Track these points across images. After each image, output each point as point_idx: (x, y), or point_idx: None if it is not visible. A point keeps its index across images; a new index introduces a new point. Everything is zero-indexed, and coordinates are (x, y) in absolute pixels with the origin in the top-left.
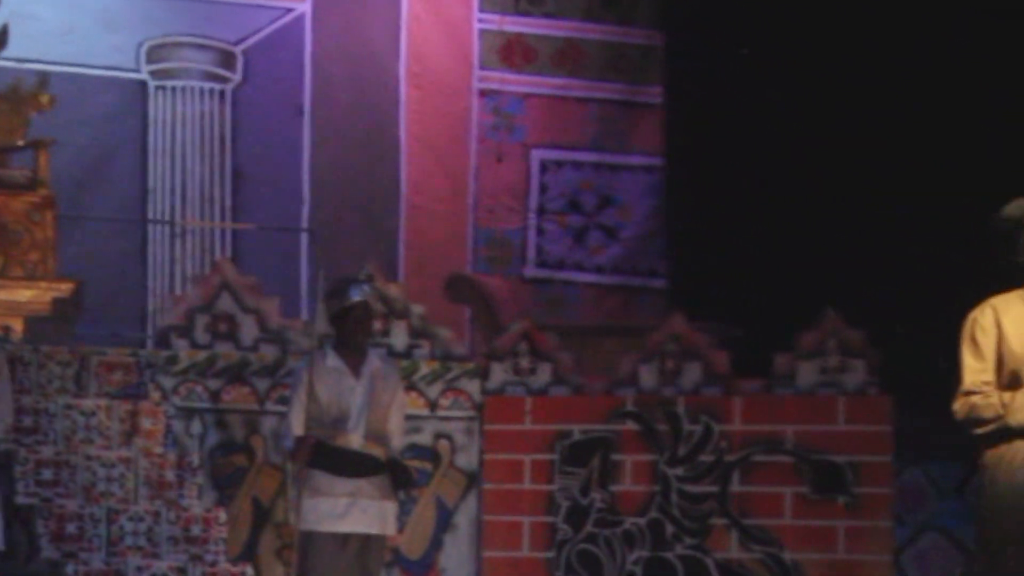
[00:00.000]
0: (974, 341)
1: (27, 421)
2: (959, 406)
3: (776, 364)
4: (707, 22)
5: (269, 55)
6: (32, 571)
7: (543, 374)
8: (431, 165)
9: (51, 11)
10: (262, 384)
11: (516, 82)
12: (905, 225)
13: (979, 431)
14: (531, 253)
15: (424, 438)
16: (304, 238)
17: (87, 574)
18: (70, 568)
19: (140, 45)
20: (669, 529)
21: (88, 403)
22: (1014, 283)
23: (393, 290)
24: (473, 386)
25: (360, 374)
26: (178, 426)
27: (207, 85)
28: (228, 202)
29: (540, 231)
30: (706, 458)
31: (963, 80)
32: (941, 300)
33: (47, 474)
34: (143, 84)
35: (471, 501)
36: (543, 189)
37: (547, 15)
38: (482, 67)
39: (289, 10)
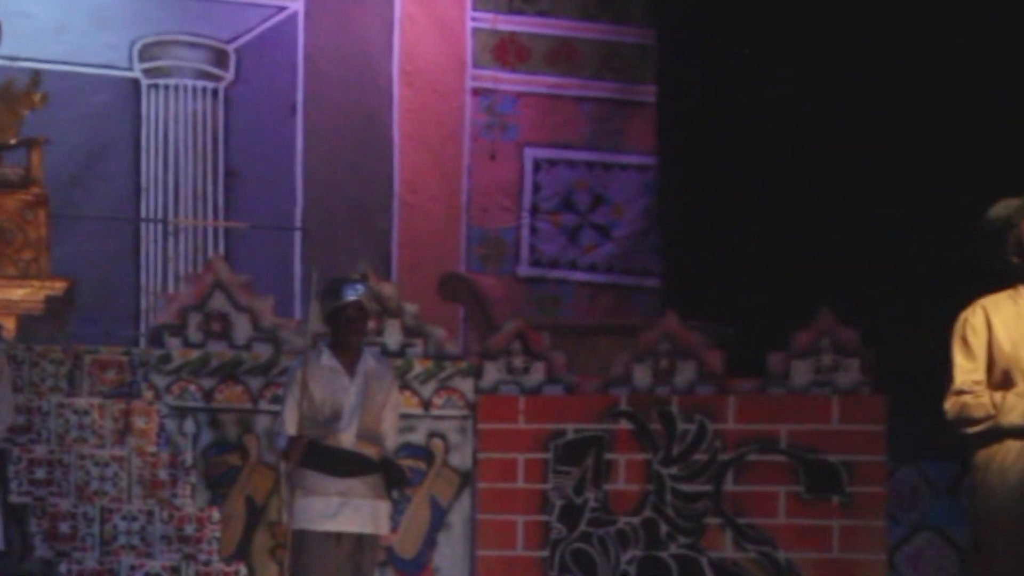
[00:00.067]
0: (965, 341)
1: (20, 420)
2: (950, 405)
3: (770, 363)
4: (701, 21)
5: (262, 54)
6: (25, 570)
7: (537, 373)
8: (424, 164)
9: (44, 9)
10: (255, 383)
11: (509, 81)
12: (899, 225)
13: (970, 431)
14: (524, 252)
15: (418, 437)
16: (297, 237)
17: (80, 573)
18: (63, 567)
19: (133, 43)
20: (663, 528)
21: (81, 402)
22: (1005, 283)
23: (386, 289)
24: (467, 385)
25: (355, 373)
26: (171, 425)
27: (200, 83)
28: (221, 200)
29: (534, 230)
30: (700, 457)
31: (957, 79)
32: (935, 300)
33: (40, 473)
34: (136, 82)
35: (465, 500)
36: (536, 188)
37: (540, 14)
38: (475, 66)
39: (282, 8)
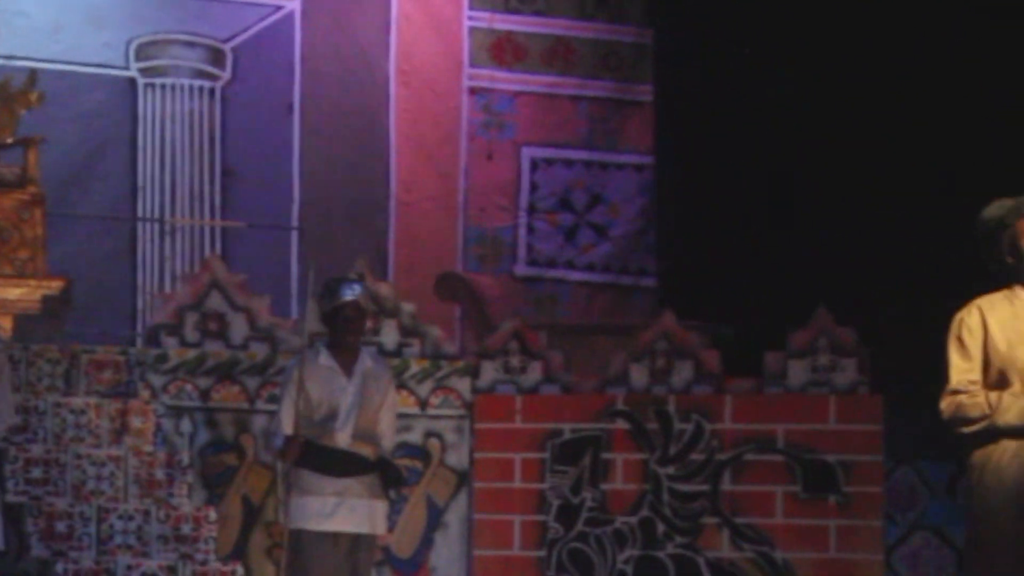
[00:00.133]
0: (960, 341)
1: (17, 419)
2: (946, 405)
3: (767, 363)
4: (698, 20)
5: (259, 53)
6: (22, 569)
7: (534, 372)
8: (421, 163)
9: (40, 8)
10: (252, 383)
11: (506, 80)
12: (897, 224)
13: (966, 431)
14: (522, 251)
15: (414, 436)
16: (294, 236)
17: (77, 573)
18: (60, 567)
19: (129, 42)
20: (660, 528)
21: (78, 401)
22: (1002, 284)
23: (383, 288)
24: (463, 384)
25: (352, 373)
26: (168, 424)
27: (196, 83)
28: (217, 200)
29: (531, 229)
30: (697, 457)
31: (955, 78)
32: (932, 299)
33: (37, 472)
34: (132, 82)
35: (462, 500)
36: (534, 187)
37: (537, 13)
38: (472, 65)
39: (279, 8)
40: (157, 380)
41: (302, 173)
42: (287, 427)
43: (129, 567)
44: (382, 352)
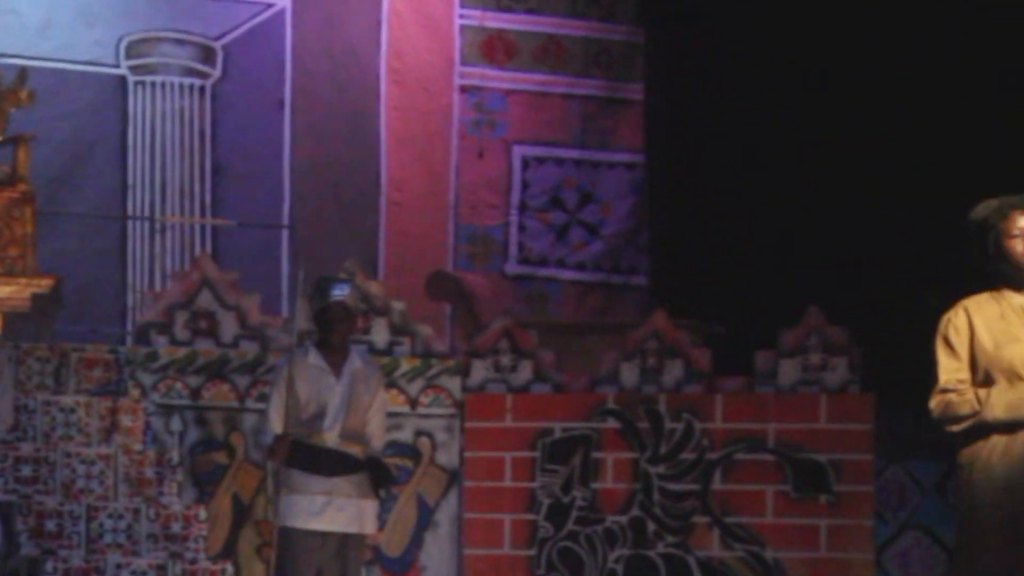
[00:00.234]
0: (947, 341)
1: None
2: (935, 404)
3: (758, 362)
4: (689, 19)
5: (249, 51)
6: (11, 568)
7: (524, 371)
8: (412, 161)
9: (30, 6)
10: (242, 381)
11: (497, 78)
12: (888, 224)
13: (956, 428)
14: (513, 250)
15: (405, 435)
16: (285, 234)
17: (67, 571)
18: (49, 565)
19: (120, 40)
20: (651, 527)
21: (67, 400)
22: (989, 283)
23: (373, 287)
24: (454, 383)
25: (341, 373)
26: (158, 423)
27: (187, 80)
28: (208, 198)
29: (522, 228)
30: (688, 456)
31: (947, 77)
32: (923, 299)
33: (26, 471)
34: (123, 79)
35: (452, 499)
36: (525, 185)
37: (528, 11)
38: (463, 63)
39: (269, 5)
40: (147, 378)
41: (293, 171)
42: (276, 426)
43: (119, 566)
44: (372, 351)
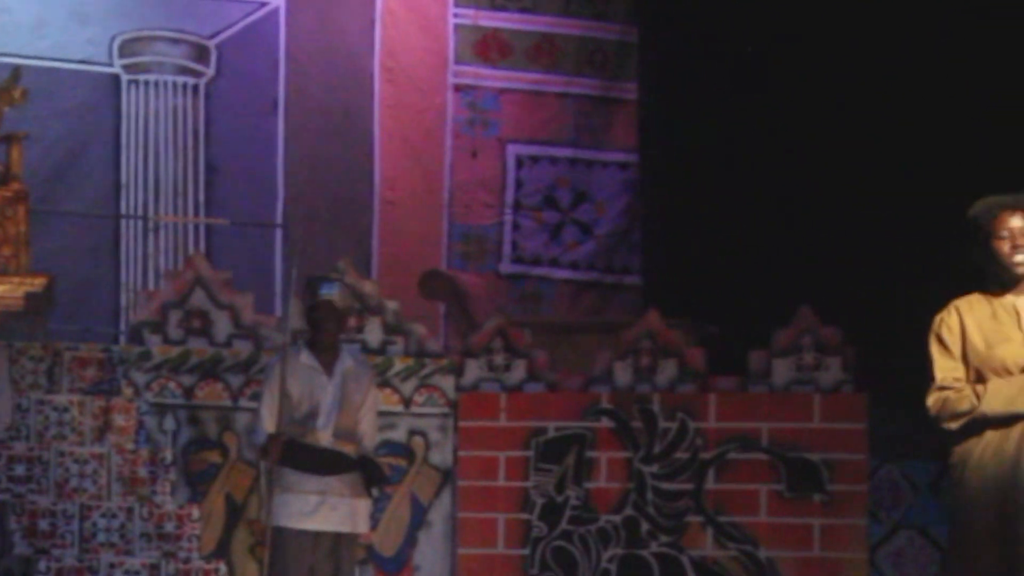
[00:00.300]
0: (941, 340)
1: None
2: (933, 401)
3: (751, 361)
4: (683, 18)
5: (243, 50)
6: (4, 567)
7: (518, 370)
8: (406, 160)
9: (23, 4)
10: (235, 380)
11: (491, 77)
12: (882, 223)
13: (954, 425)
14: (506, 249)
15: (398, 435)
16: (278, 233)
17: (60, 570)
18: (43, 564)
19: (113, 39)
20: (644, 527)
21: (61, 399)
22: (985, 282)
23: (367, 286)
24: (447, 382)
25: (332, 372)
26: (151, 422)
27: (180, 79)
28: (201, 197)
29: (516, 227)
30: (681, 455)
31: (940, 77)
32: (917, 298)
33: (20, 470)
34: (116, 78)
35: (445, 498)
36: (519, 184)
37: (522, 10)
38: (457, 62)
39: (263, 4)
40: (140, 378)
41: (286, 170)
42: (268, 425)
43: (112, 565)
44: (366, 350)
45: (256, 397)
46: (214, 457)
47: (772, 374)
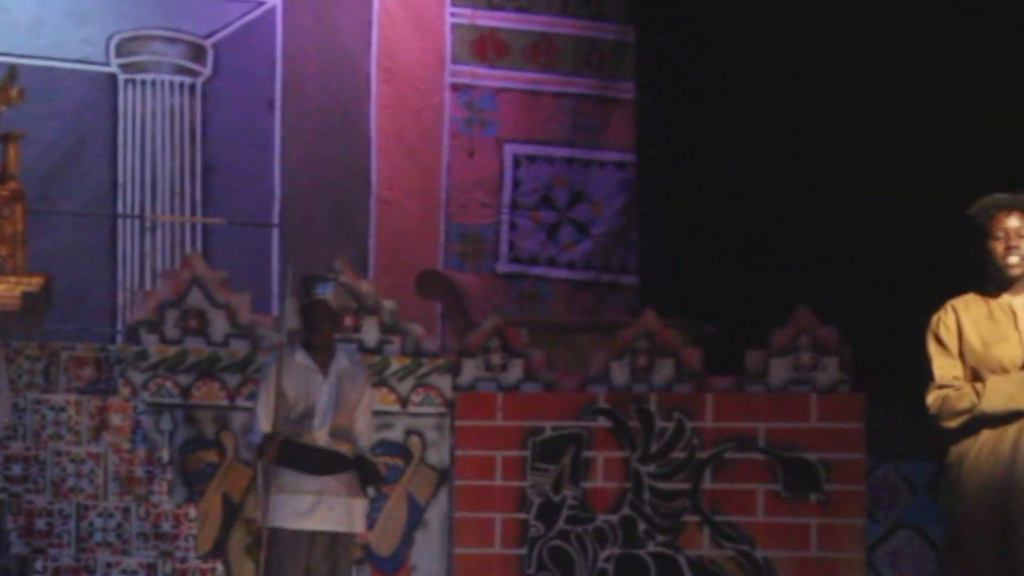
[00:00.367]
0: (939, 339)
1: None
2: (932, 399)
3: (748, 361)
4: (679, 17)
5: (240, 49)
6: (1, 567)
7: (515, 370)
8: (402, 160)
9: (20, 4)
10: (232, 380)
11: (488, 76)
12: (879, 223)
13: (953, 424)
14: (503, 248)
15: (395, 434)
16: (275, 233)
17: (56, 570)
18: (39, 564)
19: (110, 38)
20: (641, 526)
21: (57, 398)
22: (982, 281)
23: (364, 286)
24: (444, 382)
25: (328, 372)
26: (148, 422)
27: (177, 79)
28: (198, 196)
29: (513, 226)
30: (678, 455)
31: (937, 78)
32: (914, 298)
33: (16, 469)
34: (113, 77)
35: (442, 498)
36: (516, 184)
37: (519, 9)
38: (454, 61)
39: (260, 4)
40: (137, 377)
41: (283, 169)
42: (264, 425)
43: (109, 565)
44: (362, 349)
45: (253, 397)
46: (211, 457)
47: (769, 374)
